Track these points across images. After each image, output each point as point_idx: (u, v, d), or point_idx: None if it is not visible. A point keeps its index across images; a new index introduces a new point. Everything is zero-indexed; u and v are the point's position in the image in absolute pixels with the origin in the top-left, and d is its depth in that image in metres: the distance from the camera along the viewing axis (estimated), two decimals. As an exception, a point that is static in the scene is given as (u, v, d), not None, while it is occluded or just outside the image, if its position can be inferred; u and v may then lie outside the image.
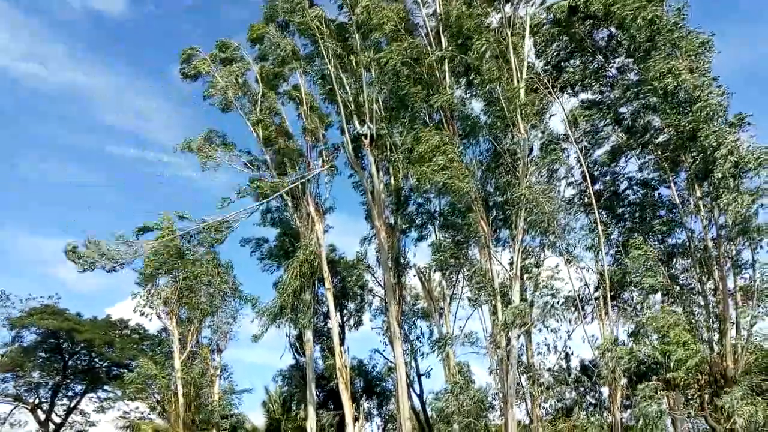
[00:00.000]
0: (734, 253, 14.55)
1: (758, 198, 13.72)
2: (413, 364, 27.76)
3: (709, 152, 13.85)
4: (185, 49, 26.19)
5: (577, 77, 17.61)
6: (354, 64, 23.16)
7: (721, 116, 14.24)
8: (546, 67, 18.68)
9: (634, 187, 18.39)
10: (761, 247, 14.22)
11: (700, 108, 14.02)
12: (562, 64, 18.32)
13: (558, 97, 18.29)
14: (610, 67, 17.65)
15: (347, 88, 23.86)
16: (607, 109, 17.44)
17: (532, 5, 18.68)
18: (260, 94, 26.07)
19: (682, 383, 14.11)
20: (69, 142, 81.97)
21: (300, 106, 26.07)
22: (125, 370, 37.74)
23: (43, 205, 79.94)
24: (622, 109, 17.18)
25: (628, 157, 17.99)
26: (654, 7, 15.18)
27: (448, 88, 18.21)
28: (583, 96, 18.57)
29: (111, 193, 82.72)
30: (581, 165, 17.84)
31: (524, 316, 15.57)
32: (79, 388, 41.52)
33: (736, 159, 13.47)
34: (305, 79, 26.34)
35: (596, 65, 17.67)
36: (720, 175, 13.70)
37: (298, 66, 25.48)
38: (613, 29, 17.22)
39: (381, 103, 23.39)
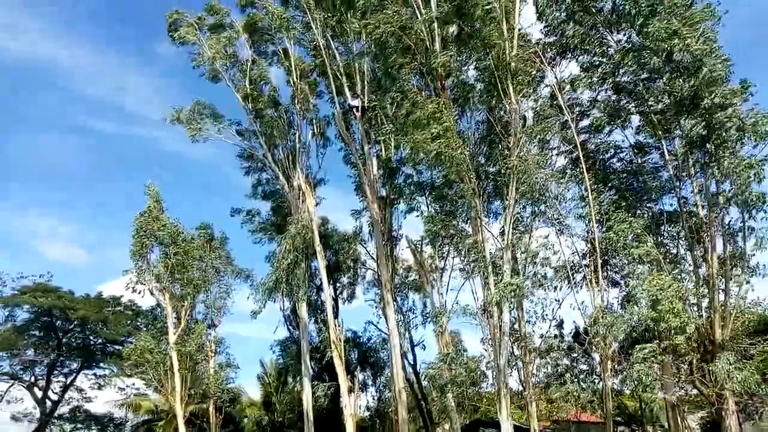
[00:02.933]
0: (727, 220, 14.60)
1: (761, 166, 13.63)
2: (407, 335, 28.06)
3: (713, 113, 13.66)
4: (170, 13, 25.61)
5: (576, 41, 17.24)
6: (345, 33, 22.74)
7: (723, 83, 14.07)
8: (546, 30, 18.30)
9: (626, 154, 18.32)
10: (764, 214, 14.18)
11: (706, 73, 13.80)
12: (563, 26, 17.89)
13: (557, 63, 17.98)
14: (611, 35, 17.28)
15: (337, 59, 23.50)
16: (605, 75, 17.13)
17: None
18: (249, 63, 25.62)
19: (681, 349, 14.29)
20: (51, 117, 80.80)
21: (290, 76, 25.66)
22: (120, 347, 37.92)
23: (28, 182, 79.16)
24: (624, 78, 16.84)
25: (625, 125, 17.82)
26: None
27: (444, 49, 17.81)
28: (582, 59, 18.24)
29: (97, 169, 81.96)
30: (573, 133, 17.69)
31: (516, 291, 15.61)
32: (74, 365, 41.69)
33: (739, 122, 13.34)
34: (295, 48, 25.94)
35: (596, 32, 17.28)
36: (720, 141, 13.58)
37: (288, 35, 24.99)
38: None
39: (371, 73, 23.04)
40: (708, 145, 14.05)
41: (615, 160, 18.68)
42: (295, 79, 25.42)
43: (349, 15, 19.51)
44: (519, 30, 17.21)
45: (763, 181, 13.61)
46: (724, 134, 13.53)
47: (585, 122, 18.66)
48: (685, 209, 16.05)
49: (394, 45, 17.78)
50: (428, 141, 15.82)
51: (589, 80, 17.31)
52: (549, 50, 18.45)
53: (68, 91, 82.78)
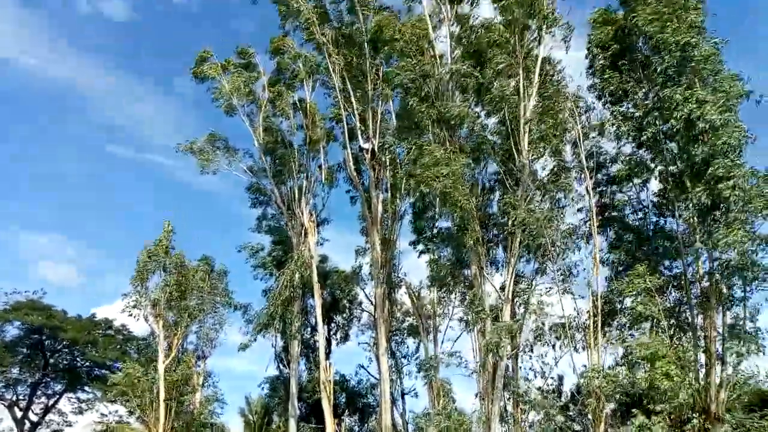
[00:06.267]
0: (726, 289, 14.61)
1: (759, 241, 13.69)
2: (398, 381, 27.67)
3: (715, 183, 13.81)
4: (200, 52, 26.65)
5: (617, 88, 17.48)
6: (362, 77, 23.43)
7: (737, 153, 14.23)
8: (591, 72, 18.52)
9: (641, 214, 18.41)
10: (759, 287, 14.23)
11: (721, 140, 13.99)
12: (605, 74, 17.97)
13: (590, 109, 18.22)
14: (639, 89, 17.60)
15: (353, 102, 24.12)
16: (632, 128, 17.24)
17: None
18: (266, 101, 26.38)
19: (678, 416, 14.09)
20: (67, 138, 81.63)
21: (305, 118, 26.31)
22: (107, 371, 37.26)
23: (29, 200, 79.05)
24: (645, 136, 16.99)
25: (646, 181, 18.00)
26: (690, 36, 15.02)
27: (462, 95, 18.28)
28: (614, 109, 18.40)
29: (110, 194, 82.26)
30: (588, 191, 17.75)
31: (512, 335, 15.57)
32: (58, 387, 40.80)
33: (743, 195, 13.39)
34: (313, 91, 26.75)
35: (635, 83, 17.55)
36: (722, 209, 13.72)
37: (309, 80, 25.87)
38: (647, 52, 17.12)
39: (391, 114, 23.68)
40: (714, 213, 14.20)
41: (630, 218, 18.76)
42: (309, 123, 26.11)
43: (369, 61, 20.26)
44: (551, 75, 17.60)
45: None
46: (727, 205, 13.68)
47: (604, 176, 18.83)
48: (692, 276, 16.04)
49: (414, 91, 18.31)
50: (436, 179, 16.12)
51: (618, 127, 17.44)
52: (586, 96, 18.70)
53: (84, 114, 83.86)
